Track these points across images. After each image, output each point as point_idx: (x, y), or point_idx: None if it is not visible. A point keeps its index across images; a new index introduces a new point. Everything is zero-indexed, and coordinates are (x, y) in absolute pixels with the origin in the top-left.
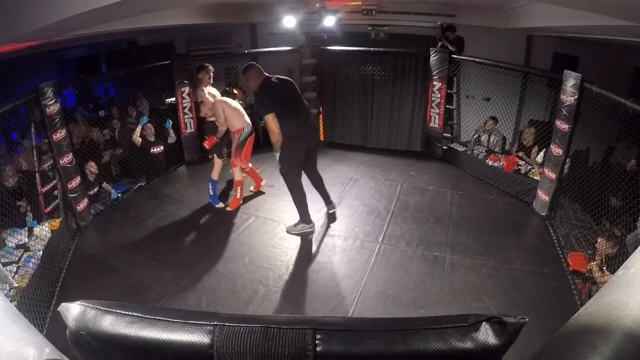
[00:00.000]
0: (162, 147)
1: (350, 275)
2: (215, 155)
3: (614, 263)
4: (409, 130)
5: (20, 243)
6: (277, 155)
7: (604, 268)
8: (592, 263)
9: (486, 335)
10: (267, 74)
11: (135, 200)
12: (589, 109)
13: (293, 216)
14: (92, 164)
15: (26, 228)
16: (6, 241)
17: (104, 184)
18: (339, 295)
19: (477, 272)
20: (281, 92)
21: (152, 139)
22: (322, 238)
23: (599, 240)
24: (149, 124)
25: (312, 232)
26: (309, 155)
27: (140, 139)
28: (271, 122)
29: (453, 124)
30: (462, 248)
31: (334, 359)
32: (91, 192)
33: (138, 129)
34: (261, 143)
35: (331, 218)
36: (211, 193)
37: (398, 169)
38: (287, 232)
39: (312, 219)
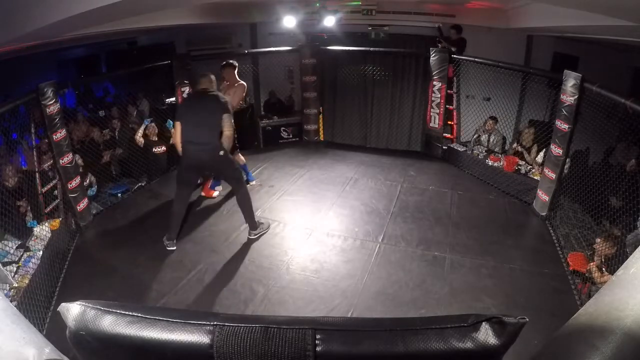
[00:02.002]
0: (164, 147)
1: (350, 275)
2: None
3: (613, 263)
4: (409, 130)
5: (12, 251)
6: None
7: (603, 269)
8: (591, 264)
9: (486, 335)
10: (200, 88)
11: (135, 200)
12: (589, 109)
13: (293, 216)
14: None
15: (16, 241)
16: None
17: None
18: (339, 295)
19: (477, 272)
20: (187, 106)
21: (154, 138)
22: (322, 238)
23: (597, 240)
24: (152, 124)
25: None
26: (211, 172)
27: (142, 139)
28: (174, 129)
29: (453, 124)
30: (462, 248)
31: (334, 359)
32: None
33: (141, 129)
34: (261, 146)
35: (254, 239)
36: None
37: (398, 169)
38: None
39: (173, 242)
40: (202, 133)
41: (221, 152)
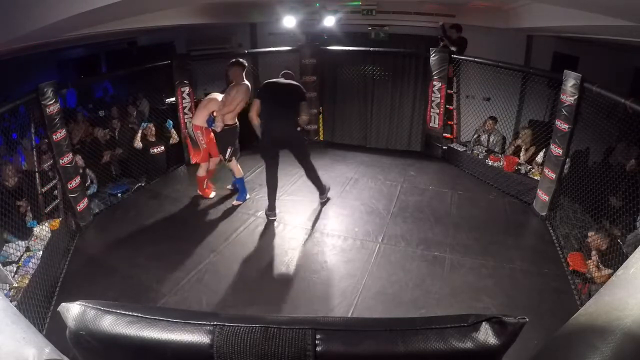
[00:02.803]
0: (162, 148)
1: (350, 275)
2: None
3: (608, 259)
4: (409, 130)
5: (18, 254)
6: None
7: (599, 264)
8: (589, 262)
9: (486, 335)
10: (284, 78)
11: (135, 200)
12: (589, 109)
13: (293, 216)
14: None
15: (21, 243)
16: (4, 248)
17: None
18: (339, 295)
19: (477, 272)
20: (271, 90)
21: (152, 139)
22: (322, 238)
23: (589, 234)
24: (150, 125)
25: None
26: (289, 151)
27: (140, 144)
28: (253, 105)
29: (453, 124)
30: (462, 248)
31: (334, 359)
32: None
33: (138, 135)
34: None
35: (322, 205)
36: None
37: (398, 169)
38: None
39: (273, 213)
40: (285, 113)
41: (299, 128)
